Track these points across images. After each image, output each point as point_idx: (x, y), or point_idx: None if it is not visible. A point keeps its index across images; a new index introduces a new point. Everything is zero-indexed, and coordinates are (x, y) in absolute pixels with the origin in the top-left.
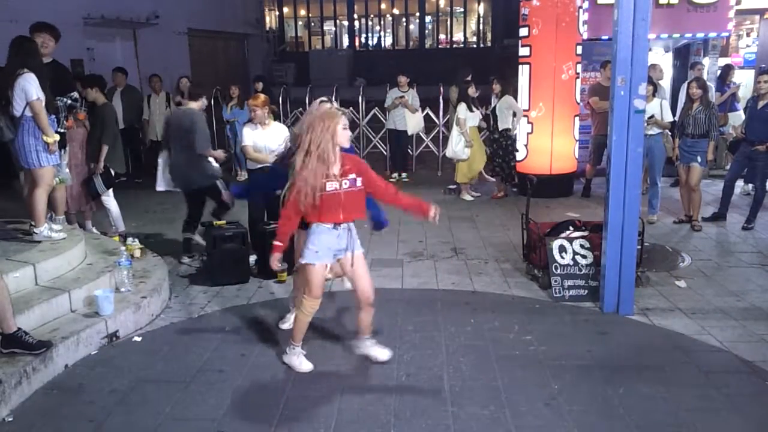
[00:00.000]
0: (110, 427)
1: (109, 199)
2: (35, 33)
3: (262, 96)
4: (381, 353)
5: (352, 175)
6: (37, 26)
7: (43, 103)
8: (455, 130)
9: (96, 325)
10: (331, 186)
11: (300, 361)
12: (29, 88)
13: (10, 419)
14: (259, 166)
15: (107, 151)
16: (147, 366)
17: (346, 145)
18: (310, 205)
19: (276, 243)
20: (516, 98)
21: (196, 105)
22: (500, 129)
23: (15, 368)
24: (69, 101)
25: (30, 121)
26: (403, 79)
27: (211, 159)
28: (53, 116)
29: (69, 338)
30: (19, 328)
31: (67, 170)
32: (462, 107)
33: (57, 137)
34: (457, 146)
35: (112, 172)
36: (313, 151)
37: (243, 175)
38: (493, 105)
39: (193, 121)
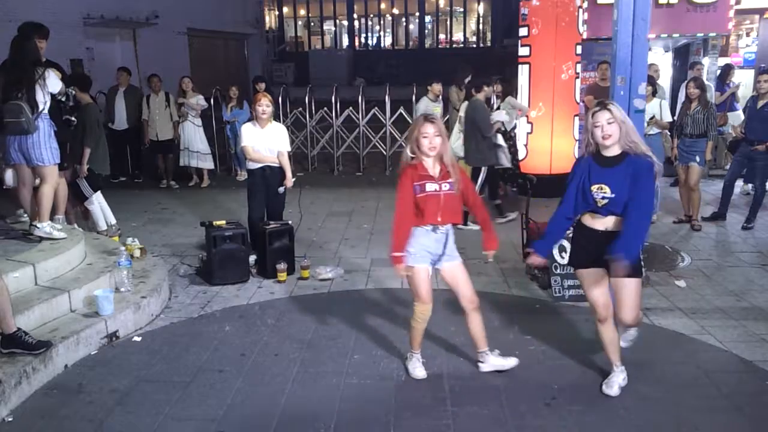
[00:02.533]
0: (110, 427)
1: (94, 201)
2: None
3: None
4: (507, 362)
5: (452, 180)
6: (28, 31)
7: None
8: (456, 127)
9: (96, 325)
10: (431, 187)
11: (414, 367)
12: (56, 82)
13: (10, 419)
14: (260, 165)
15: (89, 153)
16: (147, 366)
17: (428, 153)
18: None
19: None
20: (516, 98)
21: (481, 95)
22: (507, 130)
23: (15, 368)
24: (74, 92)
25: (44, 119)
26: (437, 88)
27: (501, 141)
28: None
29: (69, 338)
30: (19, 328)
31: None
32: (464, 106)
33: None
34: (455, 143)
35: (95, 172)
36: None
37: (243, 176)
38: (496, 106)
39: (475, 109)
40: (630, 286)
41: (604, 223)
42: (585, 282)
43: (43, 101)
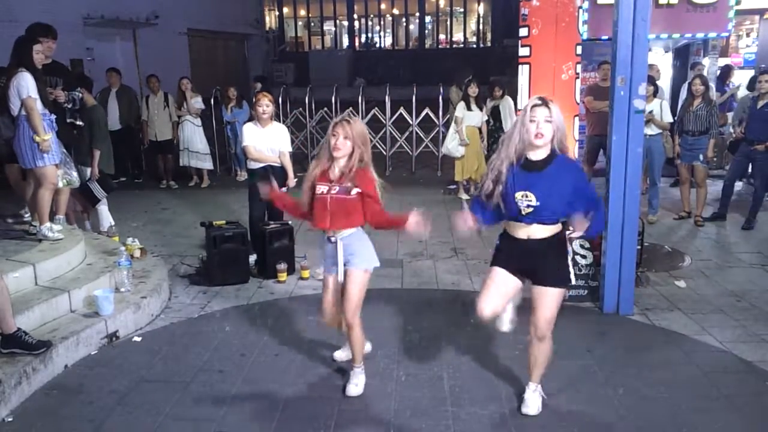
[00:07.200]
0: (110, 427)
1: (105, 203)
2: (38, 37)
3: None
4: (353, 389)
5: (348, 184)
6: (36, 30)
7: (37, 102)
8: (452, 127)
9: (96, 325)
10: (320, 189)
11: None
12: (23, 85)
13: (10, 419)
14: (261, 165)
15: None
16: (147, 366)
17: (335, 153)
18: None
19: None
20: (516, 98)
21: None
22: (506, 130)
23: (15, 368)
24: (81, 95)
25: (25, 121)
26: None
27: None
28: (52, 115)
29: (69, 338)
30: (19, 328)
31: (75, 173)
32: (460, 106)
33: (48, 136)
34: (450, 143)
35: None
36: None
37: (243, 176)
38: (489, 105)
39: None
40: (550, 295)
41: (527, 231)
42: (490, 279)
43: (17, 104)
